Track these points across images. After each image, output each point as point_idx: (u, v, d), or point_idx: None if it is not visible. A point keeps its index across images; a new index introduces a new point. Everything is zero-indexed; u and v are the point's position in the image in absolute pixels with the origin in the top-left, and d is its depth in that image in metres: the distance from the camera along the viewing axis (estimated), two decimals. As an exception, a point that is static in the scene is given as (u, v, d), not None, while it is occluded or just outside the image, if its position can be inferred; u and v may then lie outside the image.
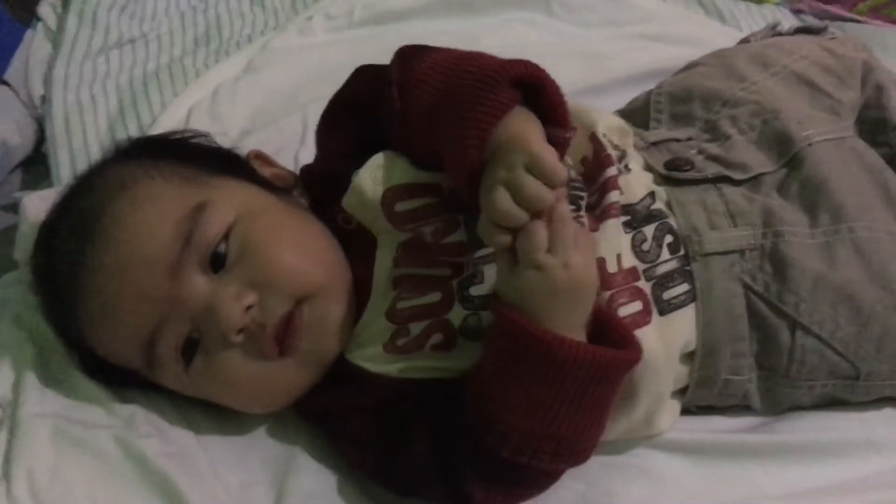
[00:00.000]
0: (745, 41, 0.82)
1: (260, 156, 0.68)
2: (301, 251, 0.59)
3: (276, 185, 0.65)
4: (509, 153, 0.50)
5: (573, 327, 0.52)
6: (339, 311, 0.60)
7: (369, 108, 0.60)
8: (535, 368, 0.51)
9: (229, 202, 0.59)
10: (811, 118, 0.67)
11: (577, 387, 0.52)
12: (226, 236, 0.58)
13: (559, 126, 0.54)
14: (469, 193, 0.53)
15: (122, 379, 0.62)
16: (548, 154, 0.50)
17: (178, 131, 0.71)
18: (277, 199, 0.63)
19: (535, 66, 0.53)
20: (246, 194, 0.62)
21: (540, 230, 0.50)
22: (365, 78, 0.63)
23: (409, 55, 0.59)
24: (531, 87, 0.53)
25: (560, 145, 0.54)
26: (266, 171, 0.66)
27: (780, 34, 0.80)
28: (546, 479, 0.56)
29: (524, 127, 0.52)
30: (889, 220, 0.63)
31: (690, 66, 0.77)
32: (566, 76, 0.91)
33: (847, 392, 0.63)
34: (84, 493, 0.56)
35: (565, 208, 0.51)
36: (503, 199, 0.49)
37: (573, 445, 0.54)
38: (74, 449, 0.58)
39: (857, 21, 1.04)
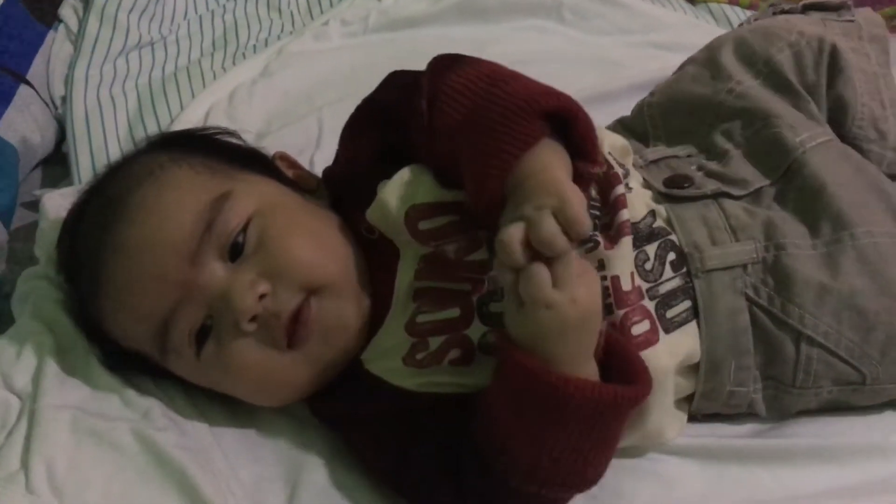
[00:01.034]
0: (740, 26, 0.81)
1: (284, 157, 0.69)
2: (316, 245, 0.60)
3: (300, 185, 0.66)
4: (541, 194, 0.49)
5: (582, 360, 0.52)
6: (351, 310, 0.60)
7: (398, 116, 0.59)
8: (542, 408, 0.51)
9: (251, 194, 0.60)
10: (801, 123, 0.67)
11: (585, 424, 0.51)
12: (245, 227, 0.59)
13: (588, 161, 0.53)
14: (485, 221, 0.53)
15: (135, 366, 0.63)
16: (577, 203, 0.48)
17: (205, 127, 0.72)
18: (299, 196, 0.64)
19: (569, 99, 0.53)
20: (268, 189, 0.63)
21: (542, 271, 0.48)
22: (397, 84, 0.62)
23: (443, 67, 0.58)
24: (562, 119, 0.52)
25: (586, 180, 0.53)
26: (289, 173, 0.67)
27: (784, 11, 0.78)
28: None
29: (551, 163, 0.51)
30: (888, 223, 0.63)
31: (683, 65, 0.76)
32: (577, 83, 0.93)
33: (854, 396, 0.63)
34: (101, 485, 0.56)
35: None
36: (514, 236, 0.48)
37: (581, 475, 0.54)
38: (92, 440, 0.58)
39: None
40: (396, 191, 0.59)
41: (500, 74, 0.56)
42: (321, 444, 0.63)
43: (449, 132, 0.56)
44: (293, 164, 0.69)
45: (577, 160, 0.53)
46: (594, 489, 0.59)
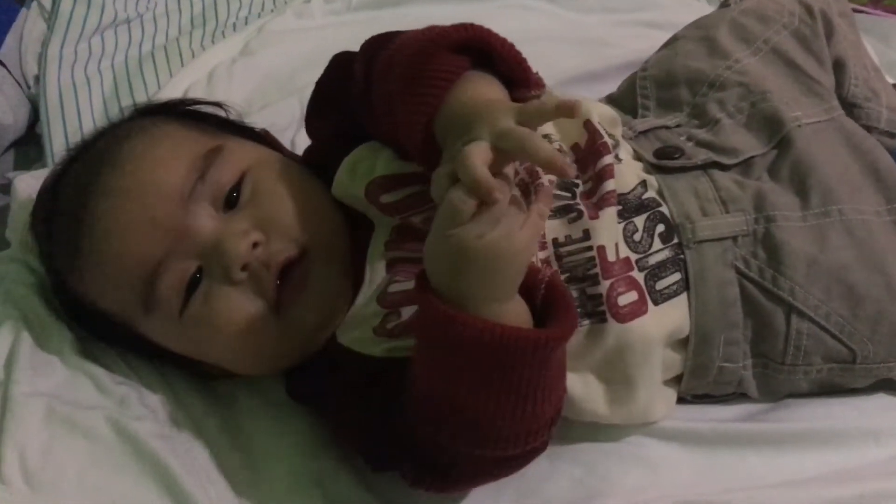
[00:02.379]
0: (724, 4, 0.80)
1: (268, 135, 0.69)
2: (311, 204, 0.60)
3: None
4: (471, 127, 0.46)
5: (496, 301, 0.48)
6: (338, 276, 0.60)
7: (345, 98, 0.60)
8: (438, 349, 0.49)
9: (245, 151, 0.61)
10: (798, 100, 0.67)
11: (483, 371, 0.48)
12: (239, 181, 0.59)
13: (524, 85, 0.51)
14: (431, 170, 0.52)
15: (109, 337, 0.62)
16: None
17: (192, 99, 0.71)
18: (291, 161, 0.64)
19: (480, 28, 0.52)
20: (261, 150, 0.63)
21: (457, 200, 0.46)
22: (338, 67, 0.63)
23: (374, 45, 0.58)
24: (483, 52, 0.52)
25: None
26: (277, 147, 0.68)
27: None
28: (486, 465, 0.54)
29: (478, 93, 0.49)
30: (878, 202, 0.63)
31: (672, 41, 0.76)
32: (564, 62, 0.92)
33: (845, 376, 0.63)
34: (76, 474, 0.55)
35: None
36: (440, 172, 0.47)
37: (493, 433, 0.50)
38: (66, 429, 0.57)
39: (858, 11, 1.04)
40: (355, 167, 0.59)
41: (417, 32, 0.55)
42: (302, 432, 0.62)
43: (384, 102, 0.55)
44: (277, 144, 0.69)
45: (514, 89, 0.51)
46: (581, 473, 0.59)
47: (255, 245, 0.57)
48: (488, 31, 0.52)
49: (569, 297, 0.53)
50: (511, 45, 0.52)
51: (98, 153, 0.60)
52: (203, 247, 0.57)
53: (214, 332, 0.58)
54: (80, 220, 0.58)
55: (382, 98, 0.55)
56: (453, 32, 0.52)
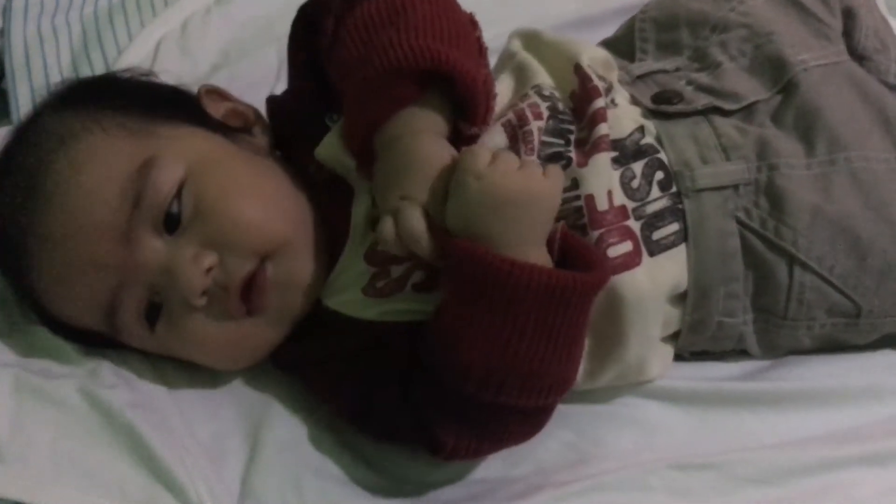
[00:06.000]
0: None
1: (212, 91, 0.64)
2: (261, 205, 0.56)
3: (233, 125, 0.62)
4: (403, 182, 0.50)
5: (527, 246, 0.50)
6: (307, 266, 0.57)
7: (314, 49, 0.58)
8: (488, 296, 0.49)
9: (179, 155, 0.56)
10: (804, 43, 0.64)
11: (536, 315, 0.49)
12: (178, 194, 0.55)
13: (467, 122, 0.53)
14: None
15: (87, 338, 0.60)
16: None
17: (119, 71, 0.68)
18: (232, 146, 0.60)
19: (453, 56, 0.51)
20: (197, 144, 0.58)
21: (479, 150, 0.50)
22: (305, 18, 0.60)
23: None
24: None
25: (465, 139, 0.53)
26: (220, 109, 0.62)
27: None
28: (519, 420, 0.53)
29: (412, 131, 0.51)
30: (887, 148, 0.61)
31: None
32: (559, 7, 0.88)
33: (849, 332, 0.61)
34: (46, 445, 0.54)
35: None
36: (388, 231, 0.51)
37: (541, 379, 0.51)
38: (36, 400, 0.56)
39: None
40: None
41: (398, 12, 0.53)
42: (282, 398, 0.60)
43: (340, 68, 0.55)
44: (224, 97, 0.64)
45: (462, 119, 0.53)
46: (573, 437, 0.58)
47: (209, 269, 0.54)
48: (461, 63, 0.51)
49: (590, 244, 0.55)
50: (475, 81, 0.51)
51: (24, 179, 0.57)
52: (154, 276, 0.55)
53: (189, 347, 0.58)
54: (27, 263, 0.57)
55: (344, 73, 0.55)
56: (425, 57, 0.50)
